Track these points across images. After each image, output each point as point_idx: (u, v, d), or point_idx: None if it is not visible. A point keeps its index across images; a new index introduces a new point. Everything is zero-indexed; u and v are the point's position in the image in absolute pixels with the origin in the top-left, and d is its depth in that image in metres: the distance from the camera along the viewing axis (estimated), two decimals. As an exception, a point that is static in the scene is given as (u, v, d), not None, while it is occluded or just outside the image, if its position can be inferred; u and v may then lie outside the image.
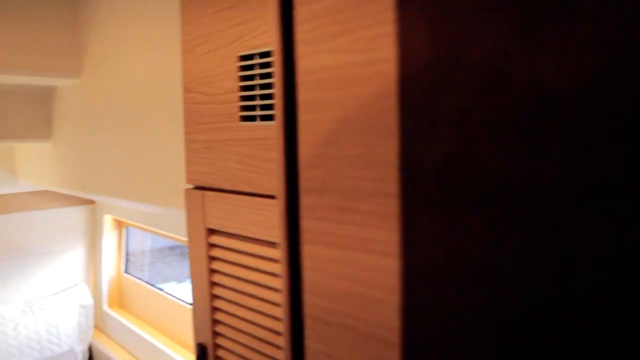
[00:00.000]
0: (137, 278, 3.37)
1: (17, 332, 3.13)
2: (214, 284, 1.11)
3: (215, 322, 1.12)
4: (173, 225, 2.67)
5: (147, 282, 3.29)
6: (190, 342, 2.85)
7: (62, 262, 3.43)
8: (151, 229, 2.90)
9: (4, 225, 3.16)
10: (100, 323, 3.53)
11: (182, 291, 3.13)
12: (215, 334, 1.13)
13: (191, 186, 1.15)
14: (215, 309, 1.12)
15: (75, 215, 3.43)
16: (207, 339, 1.15)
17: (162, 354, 2.89)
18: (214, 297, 1.11)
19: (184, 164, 1.48)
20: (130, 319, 3.33)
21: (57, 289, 3.43)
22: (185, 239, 2.60)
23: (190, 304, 2.77)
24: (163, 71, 1.54)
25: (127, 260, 3.52)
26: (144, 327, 3.21)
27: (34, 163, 2.68)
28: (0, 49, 1.89)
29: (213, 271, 1.10)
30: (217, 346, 1.13)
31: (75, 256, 3.48)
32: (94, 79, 1.99)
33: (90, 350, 3.46)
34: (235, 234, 1.02)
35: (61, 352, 3.21)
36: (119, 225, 3.45)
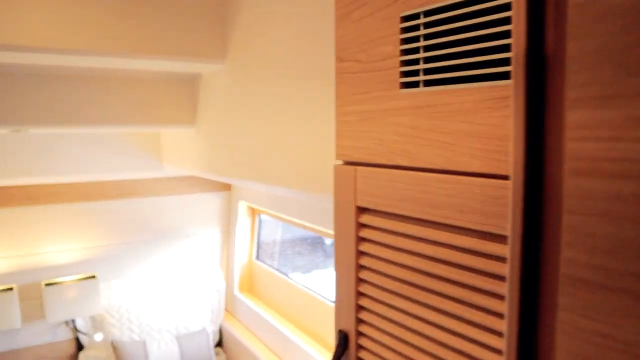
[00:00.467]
0: (268, 265, 3.42)
1: (157, 307, 3.30)
2: (361, 267, 1.03)
3: (360, 308, 1.04)
4: (306, 213, 2.66)
5: (277, 270, 3.32)
6: (317, 331, 2.82)
7: (198, 246, 3.57)
8: (285, 217, 2.92)
9: (148, 207, 3.35)
10: (230, 306, 3.64)
11: (307, 282, 3.13)
12: (359, 321, 1.05)
13: (341, 162, 1.08)
14: (360, 294, 1.04)
15: (213, 201, 3.55)
16: (349, 326, 1.08)
17: (288, 341, 2.90)
18: (361, 281, 1.03)
19: (331, 144, 1.42)
20: (258, 304, 3.39)
21: (194, 270, 3.57)
22: (317, 227, 2.57)
23: (322, 295, 2.76)
24: (313, 43, 1.50)
25: (258, 248, 3.59)
26: (272, 313, 3.25)
27: (177, 149, 2.79)
28: (149, 36, 1.96)
29: (361, 253, 1.02)
30: (360, 334, 1.06)
31: (210, 241, 3.62)
32: (239, 63, 2.01)
33: (220, 331, 3.57)
34: (391, 212, 0.93)
35: (194, 331, 3.34)
36: (253, 212, 3.53)
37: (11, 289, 2.97)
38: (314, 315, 2.88)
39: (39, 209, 3.06)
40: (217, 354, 3.49)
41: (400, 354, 0.96)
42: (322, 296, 2.87)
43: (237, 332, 3.41)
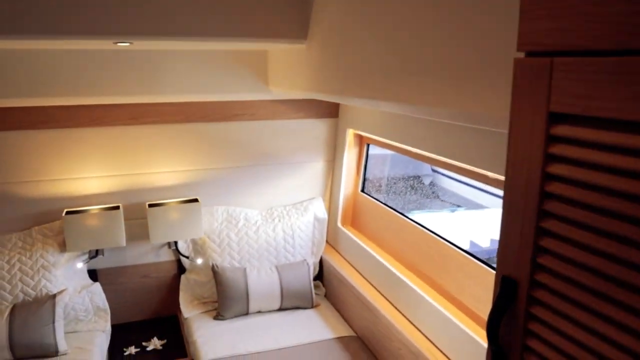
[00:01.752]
0: (375, 199, 3.21)
1: (258, 235, 3.20)
2: (547, 195, 0.77)
3: (540, 250, 0.79)
4: (423, 141, 2.38)
5: (385, 204, 3.11)
6: (428, 272, 2.60)
7: (301, 174, 3.41)
8: (402, 145, 2.66)
9: (251, 132, 3.21)
10: (332, 239, 3.49)
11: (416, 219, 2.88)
12: (537, 266, 0.80)
13: (522, 54, 0.80)
14: (542, 232, 0.78)
15: (319, 128, 3.35)
16: (520, 272, 0.83)
17: (394, 278, 2.71)
18: (545, 214, 0.77)
19: (498, 38, 1.12)
20: (362, 239, 3.21)
21: (295, 199, 3.44)
22: (441, 157, 2.30)
23: (437, 234, 2.51)
24: None
25: (364, 180, 3.37)
26: (376, 249, 3.06)
27: (285, 69, 2.58)
28: None
29: (549, 177, 0.76)
30: (535, 284, 0.80)
31: (314, 169, 3.44)
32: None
33: (321, 264, 3.45)
34: (607, 118, 0.65)
35: (295, 262, 3.24)
36: (361, 141, 3.29)
37: (117, 207, 2.97)
38: (427, 256, 2.66)
39: (143, 129, 3.00)
40: (316, 286, 3.38)
41: (592, 312, 0.70)
42: (438, 235, 2.63)
43: (337, 265, 3.26)
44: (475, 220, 6.01)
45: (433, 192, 7.95)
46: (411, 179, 7.64)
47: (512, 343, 0.85)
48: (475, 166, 2.11)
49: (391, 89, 1.56)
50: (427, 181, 8.05)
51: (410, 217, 2.89)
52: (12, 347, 2.54)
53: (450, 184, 7.52)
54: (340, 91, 1.93)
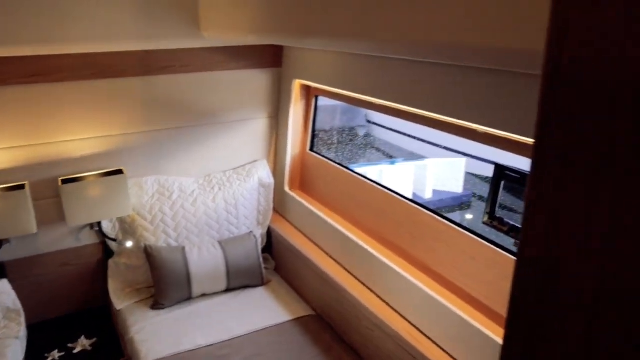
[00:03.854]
0: (325, 157, 2.84)
1: (196, 208, 2.78)
2: None
3: None
4: (388, 89, 2.02)
5: (337, 163, 2.75)
6: (385, 234, 2.28)
7: (242, 134, 2.98)
8: (356, 95, 2.28)
9: (182, 87, 2.72)
10: (280, 206, 3.12)
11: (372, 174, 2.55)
12: None
13: None
14: None
15: (260, 80, 2.91)
16: None
17: (353, 246, 2.39)
18: None
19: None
20: (314, 204, 2.86)
21: (236, 163, 3.01)
22: (406, 107, 1.95)
23: (393, 190, 2.18)
24: None
25: (313, 137, 2.99)
26: (330, 214, 2.72)
27: (224, 6, 2.12)
28: None
29: None
30: None
31: (256, 128, 3.01)
32: None
33: (269, 234, 3.07)
34: None
35: (240, 235, 2.85)
36: (308, 94, 2.89)
37: (22, 186, 2.44)
38: (391, 221, 2.34)
39: (48, 89, 2.44)
40: (265, 260, 3.01)
41: None
42: (394, 192, 2.33)
43: (287, 235, 2.91)
44: (417, 171, 5.82)
45: (369, 144, 7.70)
46: (346, 131, 7.33)
47: None
48: (453, 117, 1.79)
49: (388, 20, 1.17)
50: (361, 132, 7.77)
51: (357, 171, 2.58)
52: None
53: (387, 134, 7.29)
54: (303, 29, 1.52)
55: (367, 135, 7.93)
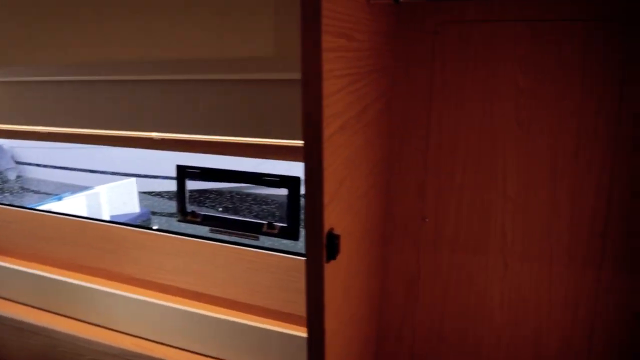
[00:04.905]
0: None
1: None
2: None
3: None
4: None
5: (14, 205, 2.58)
6: (94, 262, 2.28)
7: None
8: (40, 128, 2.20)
9: None
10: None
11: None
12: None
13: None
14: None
15: None
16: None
17: (45, 282, 2.29)
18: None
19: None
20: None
21: None
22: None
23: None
24: None
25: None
26: (15, 262, 2.53)
27: None
28: None
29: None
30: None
31: None
32: None
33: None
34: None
35: None
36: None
37: None
38: (77, 243, 2.35)
39: None
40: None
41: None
42: (84, 217, 2.36)
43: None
44: (88, 202, 5.67)
45: (23, 187, 7.07)
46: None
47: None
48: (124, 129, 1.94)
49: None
50: (12, 175, 7.09)
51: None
52: None
53: (44, 172, 6.83)
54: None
55: (19, 178, 7.25)
